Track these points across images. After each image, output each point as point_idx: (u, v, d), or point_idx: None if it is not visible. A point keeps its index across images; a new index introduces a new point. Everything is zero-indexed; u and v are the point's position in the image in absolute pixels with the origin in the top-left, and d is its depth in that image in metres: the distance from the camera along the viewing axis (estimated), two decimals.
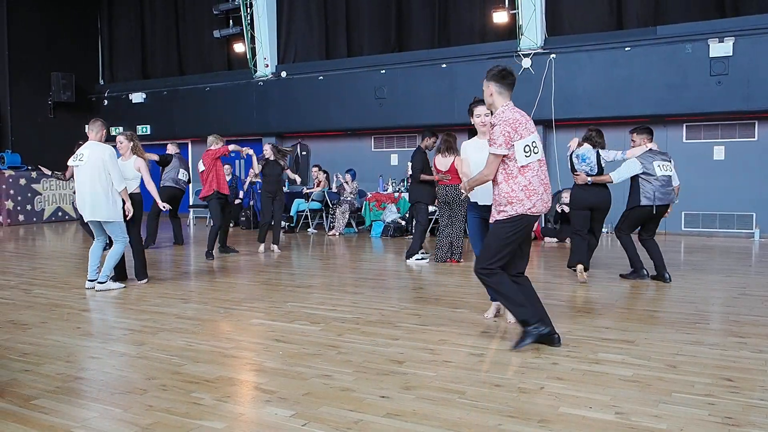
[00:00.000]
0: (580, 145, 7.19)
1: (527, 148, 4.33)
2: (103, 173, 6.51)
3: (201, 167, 9.52)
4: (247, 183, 12.34)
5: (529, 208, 4.36)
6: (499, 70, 4.46)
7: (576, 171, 7.15)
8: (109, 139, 12.18)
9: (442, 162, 8.14)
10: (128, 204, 6.76)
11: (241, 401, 3.59)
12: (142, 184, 7.27)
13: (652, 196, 6.90)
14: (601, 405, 3.41)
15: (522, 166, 4.33)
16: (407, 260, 8.60)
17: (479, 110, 5.20)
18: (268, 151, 9.88)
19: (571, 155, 7.24)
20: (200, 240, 11.91)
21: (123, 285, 6.90)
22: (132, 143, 7.33)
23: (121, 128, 16.76)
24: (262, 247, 9.86)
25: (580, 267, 7.02)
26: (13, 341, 4.79)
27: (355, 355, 4.36)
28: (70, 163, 6.83)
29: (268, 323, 5.30)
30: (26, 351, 4.54)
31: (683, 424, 3.16)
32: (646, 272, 7.10)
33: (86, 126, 6.82)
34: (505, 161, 4.34)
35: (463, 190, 4.80)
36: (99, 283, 6.72)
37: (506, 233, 4.41)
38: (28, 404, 3.51)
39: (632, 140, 7.17)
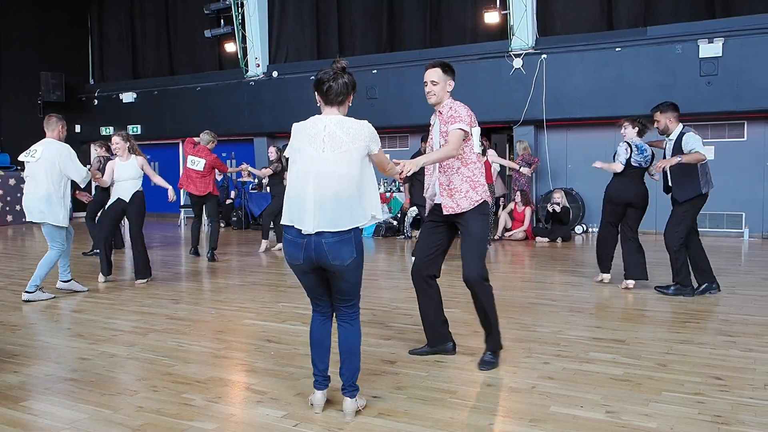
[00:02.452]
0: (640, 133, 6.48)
1: (480, 138, 4.21)
2: (55, 173, 6.18)
3: (195, 165, 9.24)
4: (238, 172, 11.97)
5: (489, 195, 4.18)
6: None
7: (621, 160, 6.40)
8: (104, 139, 12.04)
9: None
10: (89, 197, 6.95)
11: (232, 402, 3.58)
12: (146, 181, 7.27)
13: (710, 181, 6.18)
14: (591, 404, 3.42)
15: (477, 154, 4.15)
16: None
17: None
18: (273, 153, 9.91)
19: (630, 145, 6.41)
20: (191, 240, 11.86)
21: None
22: (128, 143, 7.21)
23: (111, 128, 16.70)
24: (264, 245, 9.89)
25: (630, 282, 6.47)
26: (2, 342, 4.76)
27: None
28: (21, 158, 6.37)
29: (259, 324, 5.29)
30: (15, 352, 4.51)
31: (673, 422, 3.17)
32: (716, 284, 6.29)
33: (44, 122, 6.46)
34: (461, 148, 4.05)
35: (403, 171, 3.66)
36: (26, 292, 6.22)
37: (484, 225, 4.11)
38: (17, 406, 3.48)
39: (657, 121, 6.18)
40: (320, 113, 3.33)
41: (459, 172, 4.08)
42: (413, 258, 8.55)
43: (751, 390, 3.62)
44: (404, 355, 4.33)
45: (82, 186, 6.55)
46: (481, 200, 4.07)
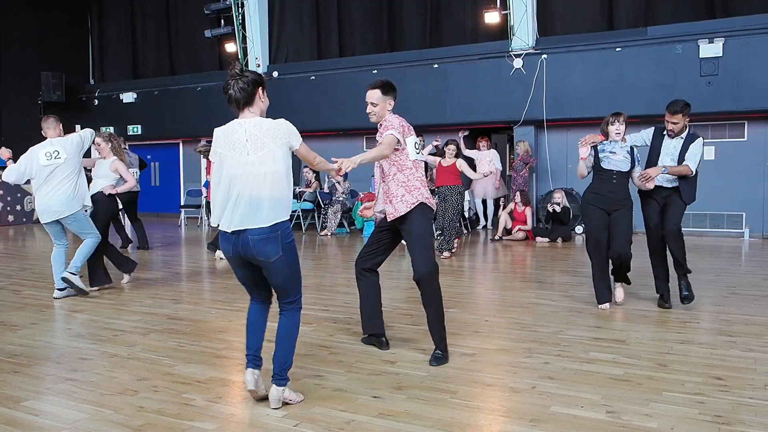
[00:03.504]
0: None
1: (417, 145, 4.39)
2: (72, 168, 6.32)
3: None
4: None
5: (427, 198, 4.32)
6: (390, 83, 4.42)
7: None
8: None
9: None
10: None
11: (232, 402, 3.58)
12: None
13: None
14: (592, 404, 3.42)
15: (414, 161, 4.34)
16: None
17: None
18: None
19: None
20: (192, 241, 11.87)
21: (88, 290, 6.54)
22: (110, 144, 7.08)
23: (111, 128, 16.70)
24: None
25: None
26: (3, 342, 4.76)
27: (347, 355, 4.36)
28: (43, 162, 6.27)
29: None
30: (16, 352, 4.51)
31: (674, 422, 3.17)
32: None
33: (42, 125, 6.48)
34: (397, 155, 4.29)
35: (341, 168, 3.82)
36: (69, 272, 6.32)
37: (426, 223, 4.29)
38: (18, 406, 3.48)
39: (676, 123, 5.70)
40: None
41: (395, 178, 4.32)
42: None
43: (752, 390, 3.62)
44: (405, 356, 4.34)
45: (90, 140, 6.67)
46: (417, 202, 4.24)
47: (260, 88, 3.47)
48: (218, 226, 3.40)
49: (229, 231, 3.32)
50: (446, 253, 9.08)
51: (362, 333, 4.69)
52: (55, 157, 6.31)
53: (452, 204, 9.13)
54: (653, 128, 5.98)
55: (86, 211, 6.63)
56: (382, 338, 4.55)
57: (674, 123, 5.67)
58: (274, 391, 3.41)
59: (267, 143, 3.33)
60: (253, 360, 3.49)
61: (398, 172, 4.33)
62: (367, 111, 4.42)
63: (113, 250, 7.16)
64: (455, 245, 9.35)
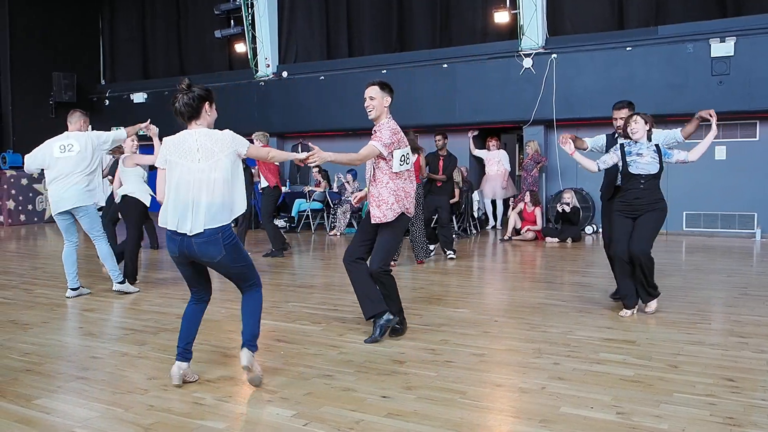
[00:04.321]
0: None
1: (403, 158, 4.71)
2: (87, 164, 6.31)
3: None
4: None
5: (407, 208, 4.74)
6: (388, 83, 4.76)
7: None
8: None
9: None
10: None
11: (242, 401, 3.59)
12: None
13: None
14: (602, 405, 3.41)
15: (395, 173, 4.68)
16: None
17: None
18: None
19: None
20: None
21: (137, 290, 6.69)
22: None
23: (122, 128, 16.78)
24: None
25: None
26: (15, 341, 4.80)
27: (356, 355, 4.37)
28: (56, 155, 6.27)
29: (269, 323, 5.30)
30: (28, 351, 4.54)
31: (685, 424, 3.16)
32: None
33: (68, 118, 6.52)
34: (383, 163, 4.68)
35: (308, 158, 4.18)
36: (118, 283, 6.56)
37: (400, 232, 4.81)
38: (29, 404, 3.51)
39: (621, 117, 5.75)
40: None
41: (387, 186, 4.68)
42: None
43: (764, 391, 3.59)
44: (414, 355, 4.34)
45: (123, 139, 6.80)
46: (401, 212, 4.70)
47: (207, 102, 3.75)
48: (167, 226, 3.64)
49: (181, 232, 3.57)
50: (420, 260, 8.48)
51: (365, 322, 4.92)
52: (68, 150, 6.30)
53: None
54: (604, 136, 6.11)
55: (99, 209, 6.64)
56: (390, 316, 4.71)
57: (621, 117, 5.67)
58: (244, 353, 3.68)
59: (216, 153, 3.61)
60: (183, 353, 3.77)
61: (390, 180, 4.68)
62: (366, 105, 4.70)
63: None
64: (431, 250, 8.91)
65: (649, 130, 5.43)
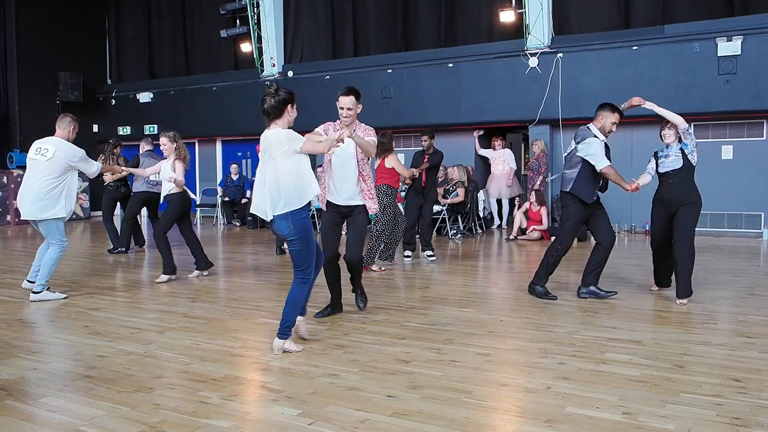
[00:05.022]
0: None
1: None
2: (60, 172, 6.14)
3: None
4: None
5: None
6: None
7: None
8: (120, 138, 12.06)
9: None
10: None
11: (247, 400, 3.60)
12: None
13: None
14: (608, 405, 3.40)
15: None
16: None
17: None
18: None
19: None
20: (207, 240, 11.94)
21: (63, 296, 6.34)
22: (175, 144, 7.28)
23: (128, 128, 16.85)
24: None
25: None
26: (22, 339, 4.82)
27: (361, 354, 4.37)
28: (30, 155, 6.23)
29: (274, 322, 5.29)
30: (34, 349, 4.56)
31: (691, 424, 3.14)
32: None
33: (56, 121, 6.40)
34: (365, 162, 5.31)
35: (344, 135, 4.71)
36: (33, 293, 6.21)
37: (367, 220, 5.49)
38: (36, 402, 3.52)
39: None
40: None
41: (372, 180, 5.47)
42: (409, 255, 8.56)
43: None
44: (419, 355, 4.34)
45: (93, 176, 6.67)
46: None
47: (289, 104, 4.35)
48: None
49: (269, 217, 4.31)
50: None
51: (329, 311, 5.50)
52: (41, 154, 6.15)
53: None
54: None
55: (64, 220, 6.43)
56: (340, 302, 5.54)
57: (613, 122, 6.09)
58: (275, 341, 4.37)
59: (278, 149, 4.22)
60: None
61: (368, 176, 5.37)
62: (344, 115, 5.13)
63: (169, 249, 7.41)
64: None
65: (679, 135, 5.97)
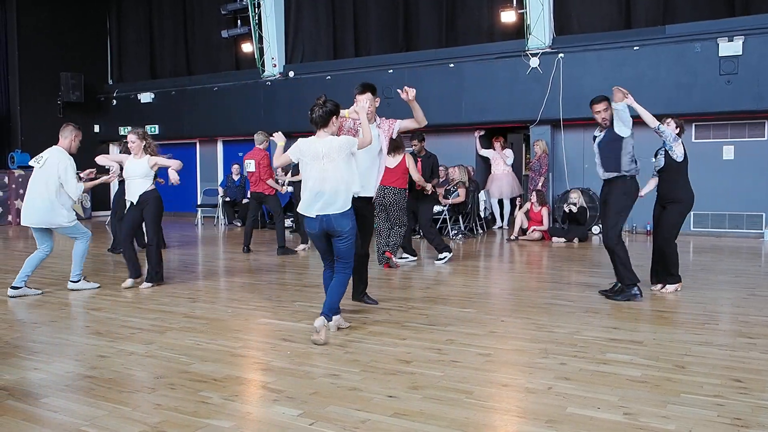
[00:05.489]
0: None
1: None
2: (55, 181, 6.29)
3: (251, 167, 9.64)
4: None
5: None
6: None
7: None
8: (123, 138, 12.03)
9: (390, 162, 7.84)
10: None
11: (248, 400, 3.60)
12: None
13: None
14: (609, 405, 3.40)
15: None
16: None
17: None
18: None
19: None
20: (208, 240, 11.96)
21: (98, 285, 6.74)
22: (144, 142, 6.92)
23: (129, 128, 16.85)
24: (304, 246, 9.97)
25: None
26: (23, 339, 4.82)
27: (362, 354, 4.37)
28: (31, 163, 6.51)
29: (275, 322, 5.31)
30: (35, 349, 4.56)
31: (692, 425, 3.14)
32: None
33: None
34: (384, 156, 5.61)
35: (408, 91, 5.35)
36: (72, 281, 6.64)
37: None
38: (37, 402, 3.53)
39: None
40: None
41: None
42: (405, 258, 8.54)
43: None
44: (420, 355, 4.33)
45: (74, 200, 6.58)
46: None
47: (334, 116, 4.82)
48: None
49: (314, 215, 4.72)
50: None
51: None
52: (38, 162, 6.38)
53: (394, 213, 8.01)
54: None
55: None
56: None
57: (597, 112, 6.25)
58: (319, 318, 4.71)
59: (335, 157, 4.71)
60: (327, 313, 4.80)
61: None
62: (369, 110, 5.31)
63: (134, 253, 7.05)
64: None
65: (678, 133, 6.21)
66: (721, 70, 10.64)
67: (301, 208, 4.81)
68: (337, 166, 4.69)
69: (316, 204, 4.70)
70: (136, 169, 6.80)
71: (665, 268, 6.32)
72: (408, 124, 5.60)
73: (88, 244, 6.68)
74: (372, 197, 5.58)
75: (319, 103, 4.77)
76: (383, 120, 5.56)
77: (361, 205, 5.23)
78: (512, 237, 11.09)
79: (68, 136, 6.47)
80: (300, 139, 4.85)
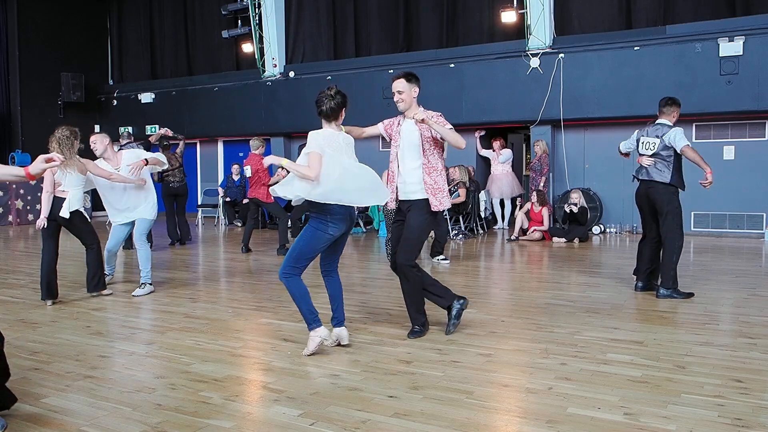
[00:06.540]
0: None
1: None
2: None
3: (248, 172, 9.71)
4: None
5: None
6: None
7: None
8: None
9: None
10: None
11: (249, 400, 3.60)
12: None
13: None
14: (609, 406, 3.40)
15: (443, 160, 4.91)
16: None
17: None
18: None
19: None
20: (208, 240, 11.97)
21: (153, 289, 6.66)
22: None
23: (130, 128, 16.85)
24: None
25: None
26: (24, 340, 4.83)
27: (362, 354, 4.37)
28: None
29: (276, 323, 5.32)
30: (36, 350, 4.57)
31: (692, 425, 3.14)
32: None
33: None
34: (437, 150, 4.82)
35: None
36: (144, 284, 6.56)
37: (434, 224, 5.22)
38: (38, 403, 3.53)
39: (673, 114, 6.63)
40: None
41: (441, 174, 4.78)
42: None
43: None
44: (420, 355, 4.34)
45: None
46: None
47: (344, 108, 4.48)
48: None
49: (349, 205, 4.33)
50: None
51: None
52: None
53: None
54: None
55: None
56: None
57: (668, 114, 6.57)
58: (344, 331, 4.56)
59: (352, 150, 4.52)
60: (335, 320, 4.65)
61: (443, 168, 4.90)
62: (395, 99, 4.84)
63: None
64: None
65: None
66: (722, 70, 10.63)
67: (362, 197, 4.38)
68: (353, 160, 4.49)
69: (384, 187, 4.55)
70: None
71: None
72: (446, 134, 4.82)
73: (112, 248, 6.97)
74: (418, 200, 4.77)
75: (329, 94, 4.42)
76: (427, 113, 4.85)
77: (407, 207, 4.80)
78: (512, 237, 11.08)
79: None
80: (313, 133, 4.40)
